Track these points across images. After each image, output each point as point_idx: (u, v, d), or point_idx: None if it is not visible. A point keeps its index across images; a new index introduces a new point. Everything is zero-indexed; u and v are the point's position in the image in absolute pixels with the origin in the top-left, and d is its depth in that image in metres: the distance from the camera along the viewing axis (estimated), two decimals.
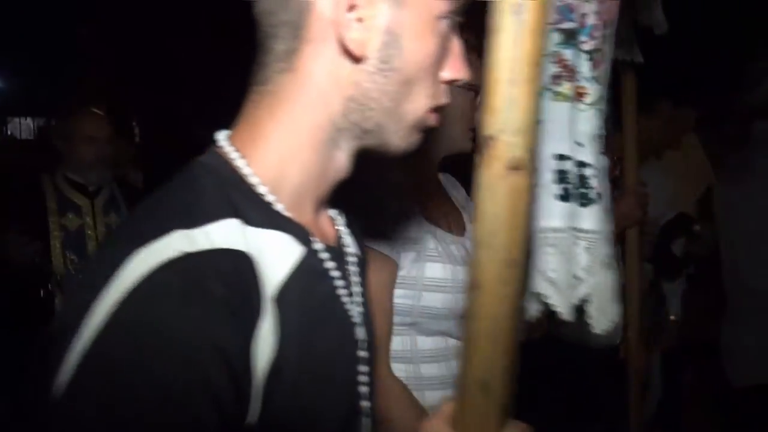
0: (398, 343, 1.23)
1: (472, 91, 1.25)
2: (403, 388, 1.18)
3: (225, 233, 0.56)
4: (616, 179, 1.87)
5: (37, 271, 2.37)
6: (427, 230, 1.28)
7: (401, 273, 1.22)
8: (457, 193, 1.54)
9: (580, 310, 1.04)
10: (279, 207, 0.63)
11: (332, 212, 0.77)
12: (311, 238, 0.66)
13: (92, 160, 2.49)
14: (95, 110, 2.71)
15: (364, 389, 0.72)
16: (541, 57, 0.62)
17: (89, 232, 2.46)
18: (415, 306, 1.23)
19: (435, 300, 1.24)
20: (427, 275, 1.24)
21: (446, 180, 1.52)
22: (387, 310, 1.19)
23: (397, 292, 1.22)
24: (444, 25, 0.64)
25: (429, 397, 1.20)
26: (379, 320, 0.94)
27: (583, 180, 1.04)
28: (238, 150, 0.65)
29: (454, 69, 0.69)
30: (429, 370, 1.25)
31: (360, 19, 0.60)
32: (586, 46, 1.01)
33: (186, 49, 16.59)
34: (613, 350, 2.08)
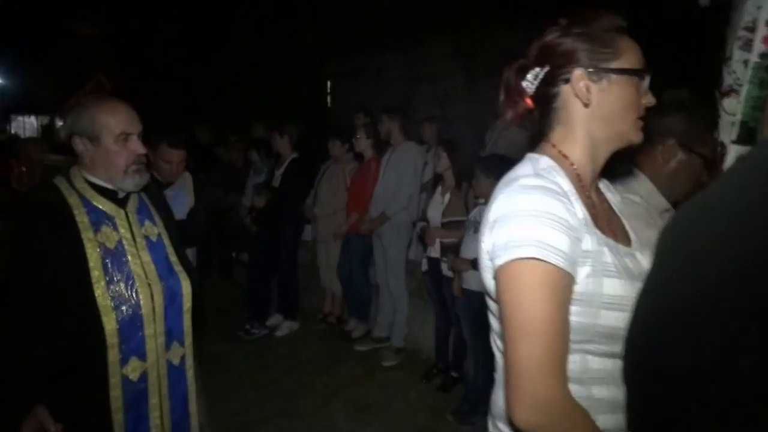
0: (570, 362, 1.13)
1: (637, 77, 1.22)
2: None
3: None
4: None
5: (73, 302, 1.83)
6: (601, 241, 1.18)
7: (577, 289, 1.13)
8: (612, 195, 1.41)
9: None
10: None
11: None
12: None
13: (130, 162, 1.94)
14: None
15: None
16: None
17: (129, 247, 1.93)
18: (592, 325, 1.15)
19: (613, 319, 1.14)
20: (606, 292, 1.14)
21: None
22: None
23: (572, 309, 1.13)
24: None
25: (602, 422, 1.13)
26: None
27: None
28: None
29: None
30: (600, 392, 1.18)
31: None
32: None
33: (185, 49, 16.62)
34: None
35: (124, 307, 1.82)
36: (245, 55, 10.14)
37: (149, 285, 1.90)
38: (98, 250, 1.83)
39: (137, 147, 1.91)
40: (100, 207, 1.91)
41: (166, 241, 2.06)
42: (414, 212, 4.85)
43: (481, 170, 3.64)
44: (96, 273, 1.80)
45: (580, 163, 1.25)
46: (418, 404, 4.14)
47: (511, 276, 1.10)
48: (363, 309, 5.28)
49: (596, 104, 1.21)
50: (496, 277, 1.15)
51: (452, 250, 3.89)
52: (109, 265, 1.84)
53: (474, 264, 3.61)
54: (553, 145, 1.27)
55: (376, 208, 4.87)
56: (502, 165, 3.66)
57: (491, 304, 1.27)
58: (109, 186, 1.95)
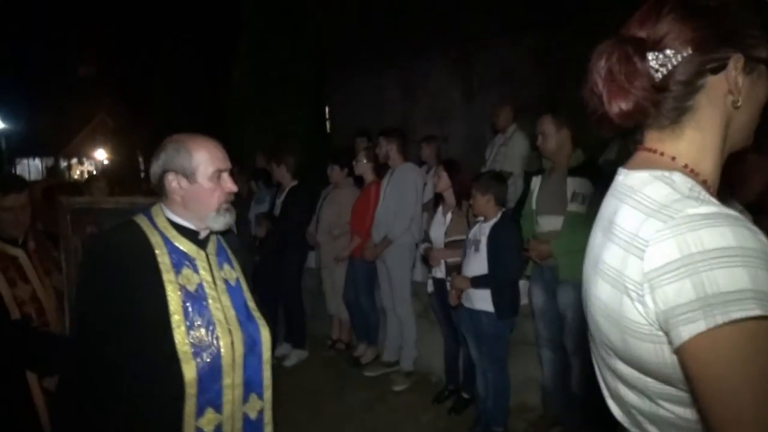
0: None
1: None
2: None
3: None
4: None
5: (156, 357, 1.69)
6: None
7: None
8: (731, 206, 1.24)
9: None
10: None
11: None
12: None
13: (222, 201, 1.82)
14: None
15: None
16: None
17: (209, 291, 1.79)
18: None
19: None
20: None
21: None
22: None
23: None
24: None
25: None
26: None
27: None
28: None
29: None
30: None
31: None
32: None
33: (185, 84, 16.81)
34: None
35: (204, 354, 1.70)
36: (244, 85, 10.24)
37: (230, 331, 1.78)
38: (179, 293, 1.72)
39: (230, 185, 1.83)
40: (182, 248, 1.80)
41: (244, 286, 1.95)
42: (417, 234, 4.84)
43: (476, 188, 3.63)
44: (176, 317, 1.68)
45: (712, 181, 0.98)
46: (431, 427, 4.08)
47: (725, 344, 0.79)
48: (371, 333, 5.25)
49: (743, 104, 0.94)
50: (682, 350, 0.82)
51: (457, 269, 3.87)
52: (190, 310, 1.71)
53: (474, 282, 3.59)
54: (673, 158, 0.97)
55: (378, 231, 4.86)
56: (496, 182, 3.68)
57: (653, 384, 0.93)
58: (192, 226, 1.84)
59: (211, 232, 1.89)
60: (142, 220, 1.80)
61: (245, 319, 1.85)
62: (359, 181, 5.39)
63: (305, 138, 9.10)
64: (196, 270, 1.79)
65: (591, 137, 4.86)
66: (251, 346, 1.84)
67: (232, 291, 1.87)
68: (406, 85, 9.01)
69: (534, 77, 6.97)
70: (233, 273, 1.93)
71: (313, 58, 9.95)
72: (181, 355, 1.65)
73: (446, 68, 8.32)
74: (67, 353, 2.31)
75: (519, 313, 3.76)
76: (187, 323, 1.69)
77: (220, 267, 1.88)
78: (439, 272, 4.18)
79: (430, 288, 4.35)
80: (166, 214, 1.82)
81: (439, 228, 4.20)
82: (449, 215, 4.15)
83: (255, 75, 10.07)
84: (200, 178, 1.77)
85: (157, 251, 1.73)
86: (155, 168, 1.80)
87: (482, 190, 3.59)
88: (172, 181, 1.77)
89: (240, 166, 7.47)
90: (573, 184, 3.44)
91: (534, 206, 3.70)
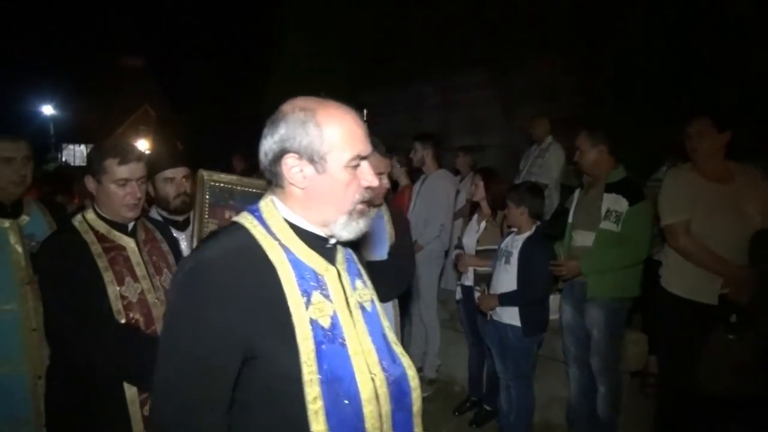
0: None
1: None
2: None
3: None
4: None
5: None
6: None
7: None
8: None
9: None
10: None
11: None
12: None
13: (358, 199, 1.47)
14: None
15: None
16: None
17: (346, 325, 1.38)
18: None
19: None
20: None
21: None
22: None
23: None
24: None
25: None
26: None
27: None
28: None
29: None
30: None
31: None
32: None
33: (224, 79, 17.08)
34: None
35: (341, 415, 1.26)
36: (280, 88, 10.36)
37: (373, 381, 1.31)
38: (311, 332, 1.25)
39: (370, 177, 1.34)
40: (308, 263, 1.33)
41: (380, 309, 1.49)
42: (446, 241, 4.80)
43: (511, 199, 3.58)
44: (308, 368, 1.23)
45: None
46: None
47: None
48: None
49: None
50: None
51: (486, 279, 3.82)
52: (324, 356, 1.25)
53: (501, 300, 3.53)
54: None
55: None
56: (531, 194, 3.62)
57: None
58: (319, 231, 1.36)
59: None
60: (250, 223, 1.33)
61: (388, 360, 1.39)
62: (393, 185, 5.39)
63: None
64: (327, 295, 1.32)
65: (641, 156, 4.77)
66: (399, 398, 1.38)
67: (369, 319, 1.41)
68: (443, 95, 9.00)
69: (573, 94, 6.89)
70: (367, 292, 1.47)
71: (349, 63, 10.00)
72: (310, 415, 1.23)
73: (485, 81, 8.29)
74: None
75: (548, 329, 3.69)
76: (321, 376, 1.24)
77: (353, 286, 1.42)
78: (468, 280, 4.13)
79: (459, 295, 4.31)
80: (282, 213, 1.35)
81: (472, 236, 4.15)
82: (483, 224, 4.11)
83: (291, 76, 10.17)
84: (332, 167, 1.29)
85: (282, 274, 1.27)
86: (269, 145, 1.32)
87: (517, 202, 3.53)
88: (293, 167, 1.30)
89: None
90: (608, 201, 3.37)
91: (571, 220, 3.64)
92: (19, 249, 2.36)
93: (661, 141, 4.79)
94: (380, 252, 2.63)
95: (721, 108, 3.34)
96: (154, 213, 2.80)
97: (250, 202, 2.35)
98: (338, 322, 1.31)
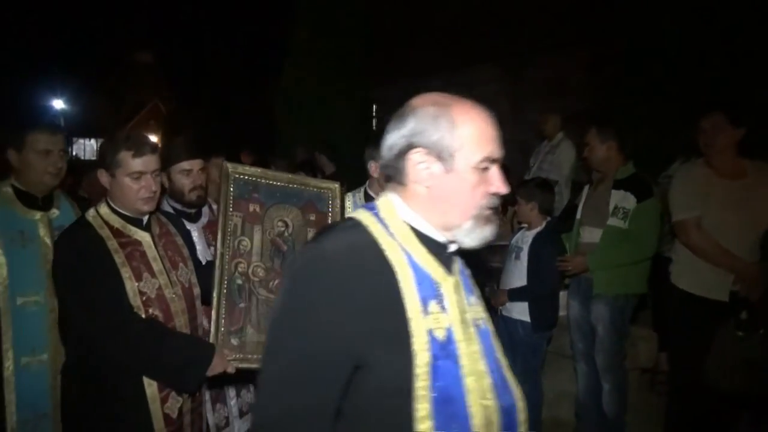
0: None
1: None
2: None
3: None
4: None
5: None
6: None
7: None
8: None
9: None
10: None
11: None
12: None
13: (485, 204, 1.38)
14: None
15: None
16: None
17: (461, 341, 1.23)
18: None
19: None
20: None
21: None
22: None
23: None
24: None
25: None
26: None
27: None
28: None
29: None
30: None
31: None
32: None
33: (235, 75, 17.15)
34: None
35: None
36: (292, 82, 10.38)
37: (484, 409, 1.18)
38: (428, 344, 1.14)
39: (500, 184, 1.25)
40: (427, 270, 1.21)
41: (493, 330, 1.35)
42: None
43: (521, 195, 3.58)
44: (421, 384, 1.11)
45: None
46: None
47: None
48: None
49: None
50: None
51: (496, 275, 3.82)
52: (439, 372, 1.13)
53: (511, 295, 3.53)
54: None
55: None
56: (541, 190, 3.62)
57: None
58: (439, 237, 1.26)
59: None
60: (369, 221, 1.23)
61: (501, 387, 1.25)
62: None
63: (351, 135, 9.16)
64: (444, 307, 1.20)
65: (652, 153, 4.75)
66: (509, 427, 1.24)
67: (483, 339, 1.27)
68: (453, 90, 8.97)
69: (583, 90, 6.86)
70: (480, 309, 1.33)
71: (360, 59, 10.00)
72: None
73: (495, 77, 8.27)
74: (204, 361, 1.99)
75: (557, 326, 3.69)
76: (434, 393, 1.12)
77: (468, 301, 1.29)
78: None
79: None
80: (401, 214, 1.25)
81: None
82: None
83: (304, 72, 10.18)
84: (460, 166, 1.20)
85: (398, 273, 1.17)
86: (394, 138, 1.24)
87: (527, 197, 3.54)
88: (419, 163, 1.21)
89: (285, 159, 7.60)
90: (616, 198, 3.36)
91: (579, 216, 3.64)
92: (48, 242, 2.36)
93: (672, 137, 4.77)
94: None
95: (736, 104, 3.32)
96: (165, 205, 2.79)
97: (274, 195, 2.36)
98: (453, 338, 1.19)
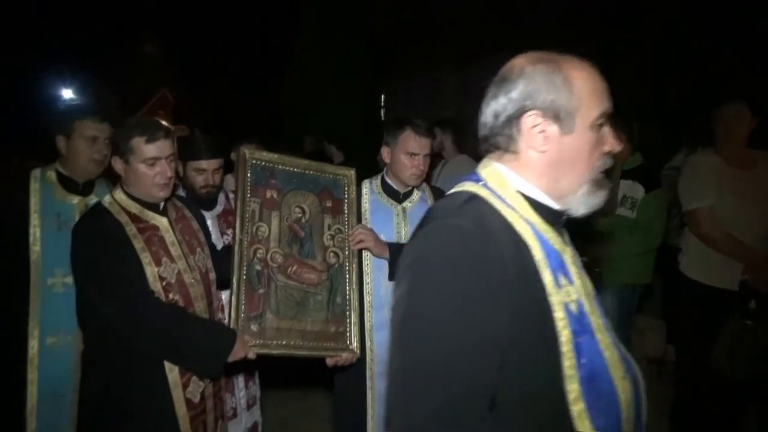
0: None
1: None
2: None
3: None
4: None
5: None
6: None
7: None
8: None
9: None
10: None
11: None
12: None
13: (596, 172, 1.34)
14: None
15: None
16: None
17: (590, 314, 1.17)
18: None
19: None
20: None
21: None
22: None
23: None
24: None
25: None
26: None
27: None
28: None
29: None
30: None
31: None
32: None
33: (243, 65, 17.14)
34: None
35: (602, 415, 1.08)
36: (301, 71, 10.37)
37: (624, 383, 1.13)
38: (566, 320, 1.07)
39: (613, 141, 1.18)
40: (552, 243, 1.14)
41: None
42: None
43: None
44: (569, 362, 1.06)
45: None
46: None
47: None
48: None
49: None
50: None
51: None
52: (581, 346, 1.07)
53: None
54: None
55: None
56: None
57: None
58: (555, 204, 1.17)
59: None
60: (484, 193, 1.15)
61: (624, 357, 1.19)
62: None
63: (360, 125, 9.16)
64: (570, 279, 1.14)
65: (659, 144, 4.74)
66: (638, 405, 1.18)
67: (601, 312, 1.21)
68: (463, 81, 8.95)
69: None
70: (588, 280, 1.25)
71: (369, 50, 9.99)
72: (575, 418, 1.05)
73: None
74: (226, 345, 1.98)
75: None
76: (580, 372, 1.06)
77: (581, 272, 1.22)
78: None
79: None
80: (513, 183, 1.16)
81: None
82: None
83: (312, 62, 10.18)
84: (579, 125, 1.12)
85: (532, 249, 1.09)
86: (501, 104, 1.16)
87: None
88: (534, 127, 1.13)
89: (292, 149, 7.63)
90: (624, 188, 3.37)
91: None
92: None
93: (674, 129, 4.76)
94: None
95: (752, 94, 3.31)
96: (179, 190, 2.80)
97: (291, 181, 2.36)
98: (584, 310, 1.12)
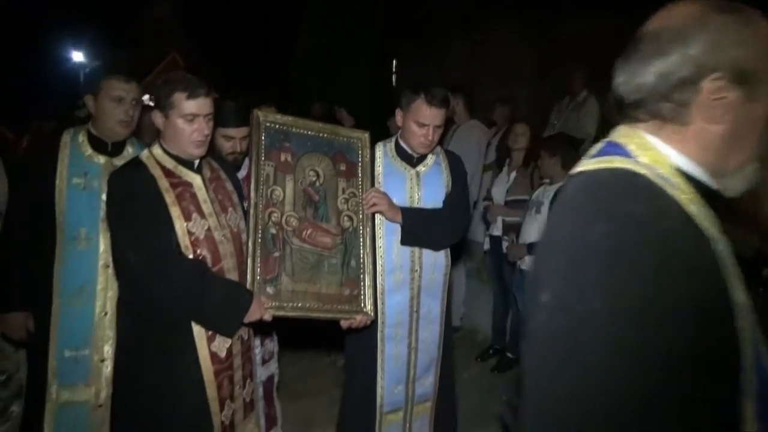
0: None
1: None
2: None
3: None
4: None
5: None
6: None
7: None
8: None
9: None
10: None
11: None
12: None
13: None
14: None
15: None
16: None
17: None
18: None
19: None
20: None
21: None
22: None
23: None
24: None
25: None
26: None
27: None
28: None
29: None
30: None
31: None
32: None
33: (253, 29, 16.90)
34: None
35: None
36: (311, 35, 10.25)
37: None
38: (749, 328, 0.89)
39: None
40: (716, 230, 0.91)
41: None
42: (474, 192, 4.80)
43: (545, 149, 3.56)
44: (745, 378, 0.88)
45: None
46: (472, 384, 4.13)
47: None
48: None
49: None
50: None
51: (514, 229, 3.83)
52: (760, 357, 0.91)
53: (530, 249, 3.55)
54: None
55: None
56: (566, 144, 3.59)
57: None
58: (714, 184, 0.96)
59: None
60: (645, 170, 0.92)
61: None
62: None
63: (370, 90, 9.08)
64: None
65: None
66: None
67: None
68: (475, 48, 8.82)
69: (611, 53, 6.70)
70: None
71: (380, 14, 9.83)
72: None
73: (518, 36, 8.10)
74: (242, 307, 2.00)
75: None
76: (756, 385, 0.88)
77: None
78: (496, 230, 4.15)
79: (487, 246, 4.34)
80: (675, 161, 0.95)
81: (502, 186, 4.15)
82: (513, 174, 4.09)
83: (323, 27, 10.04)
84: (764, 92, 0.91)
85: (712, 240, 0.88)
86: (670, 64, 0.92)
87: (551, 152, 3.52)
88: (716, 92, 0.90)
89: (300, 114, 7.59)
90: None
91: None
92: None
93: None
94: (435, 199, 2.54)
95: None
96: None
97: (305, 144, 2.35)
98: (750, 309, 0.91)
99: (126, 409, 2.16)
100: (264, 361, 2.77)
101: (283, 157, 2.30)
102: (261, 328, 2.60)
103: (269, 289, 2.13)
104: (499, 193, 4.17)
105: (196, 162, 2.14)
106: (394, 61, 10.70)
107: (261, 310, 2.06)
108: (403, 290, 2.49)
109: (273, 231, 2.20)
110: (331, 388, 3.74)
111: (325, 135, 2.44)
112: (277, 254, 2.18)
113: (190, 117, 2.00)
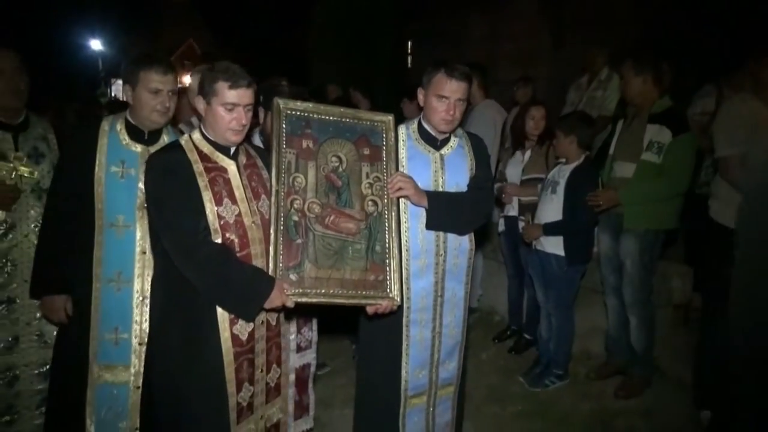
0: None
1: None
2: None
3: None
4: None
5: None
6: None
7: None
8: None
9: None
10: None
11: None
12: None
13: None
14: None
15: None
16: None
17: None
18: None
19: None
20: None
21: None
22: None
23: None
24: None
25: None
26: None
27: None
28: None
29: None
30: None
31: None
32: None
33: (269, 13, 16.85)
34: None
35: None
36: (327, 17, 10.19)
37: None
38: None
39: None
40: None
41: None
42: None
43: (560, 128, 3.52)
44: None
45: None
46: (489, 365, 4.15)
47: None
48: None
49: None
50: None
51: (531, 208, 3.81)
52: None
53: (546, 229, 3.53)
54: None
55: None
56: (582, 123, 3.55)
57: None
58: None
59: None
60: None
61: None
62: None
63: (386, 72, 9.02)
64: None
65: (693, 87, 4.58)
66: None
67: None
68: (491, 25, 8.71)
69: (630, 21, 6.57)
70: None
71: None
72: None
73: (535, 10, 7.98)
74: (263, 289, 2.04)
75: (590, 260, 3.69)
76: None
77: None
78: (512, 210, 4.12)
79: (501, 227, 4.32)
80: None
81: (517, 166, 4.11)
82: (528, 153, 4.05)
83: (338, 9, 9.98)
84: None
85: None
86: None
87: (566, 131, 3.48)
88: None
89: (317, 96, 7.56)
90: (651, 132, 3.30)
91: (612, 151, 3.58)
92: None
93: (714, 73, 4.57)
94: (459, 182, 2.52)
95: None
96: (257, 139, 2.81)
97: (327, 130, 2.33)
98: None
99: (154, 388, 2.26)
100: (300, 349, 2.74)
101: (304, 144, 2.29)
102: (300, 316, 2.61)
103: (292, 276, 2.12)
104: (514, 173, 4.13)
105: (233, 149, 2.22)
106: (409, 43, 10.61)
107: (283, 296, 2.07)
108: (427, 275, 2.48)
109: (295, 218, 2.19)
110: (349, 369, 3.78)
111: (348, 120, 2.41)
112: (299, 241, 2.17)
113: (230, 106, 2.08)
